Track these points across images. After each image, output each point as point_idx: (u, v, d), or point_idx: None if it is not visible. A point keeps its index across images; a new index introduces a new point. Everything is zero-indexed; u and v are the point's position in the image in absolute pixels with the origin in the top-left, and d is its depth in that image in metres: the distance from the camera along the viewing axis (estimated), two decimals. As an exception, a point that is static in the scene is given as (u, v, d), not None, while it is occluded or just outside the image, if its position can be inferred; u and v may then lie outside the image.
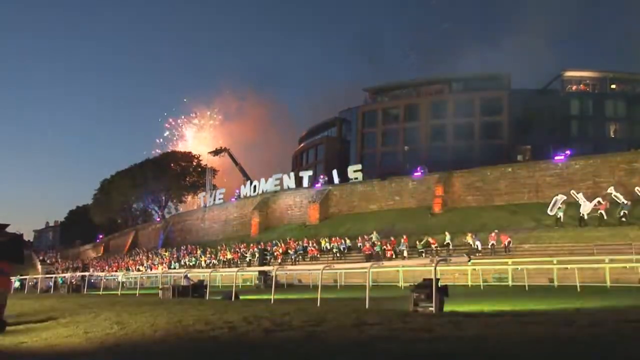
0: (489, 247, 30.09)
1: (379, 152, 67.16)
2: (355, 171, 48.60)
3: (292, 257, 38.95)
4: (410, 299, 10.33)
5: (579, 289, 19.28)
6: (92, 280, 36.12)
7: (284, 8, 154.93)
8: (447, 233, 32.32)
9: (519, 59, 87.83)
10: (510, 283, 24.12)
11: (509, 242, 29.39)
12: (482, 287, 23.26)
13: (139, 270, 49.39)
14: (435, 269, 10.20)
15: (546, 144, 51.71)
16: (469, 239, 31.08)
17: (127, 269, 52.55)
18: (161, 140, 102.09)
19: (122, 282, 33.48)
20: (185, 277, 21.52)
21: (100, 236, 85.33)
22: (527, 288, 21.56)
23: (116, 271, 51.06)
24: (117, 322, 9.99)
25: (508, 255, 28.42)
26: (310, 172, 57.08)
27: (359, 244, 36.70)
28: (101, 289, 27.88)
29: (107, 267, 57.74)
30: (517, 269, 24.95)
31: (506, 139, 59.72)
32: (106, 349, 7.35)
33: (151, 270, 47.52)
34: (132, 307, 13.65)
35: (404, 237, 34.15)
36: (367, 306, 11.14)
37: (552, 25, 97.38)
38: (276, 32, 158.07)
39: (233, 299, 16.41)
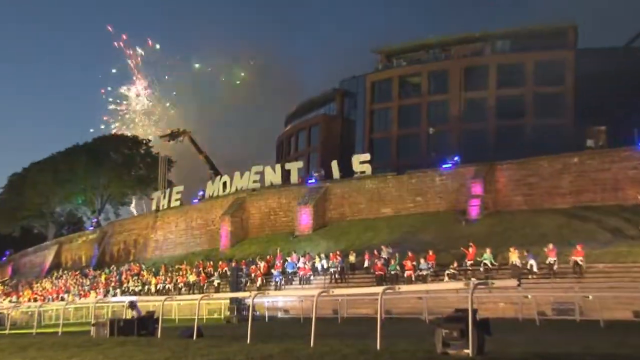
0: (547, 265, 30.09)
1: (394, 136, 67.14)
2: (361, 162, 48.61)
3: (276, 279, 38.92)
4: (437, 336, 10.29)
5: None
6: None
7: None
8: (487, 250, 32.24)
9: (590, 5, 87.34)
10: (577, 317, 24.11)
11: (580, 260, 29.28)
12: (537, 322, 23.28)
13: (62, 299, 49.24)
14: (471, 295, 10.15)
15: (628, 124, 51.58)
16: (514, 255, 31.04)
17: (47, 298, 52.33)
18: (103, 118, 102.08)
19: (40, 316, 33.34)
20: (133, 306, 21.35)
21: (8, 252, 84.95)
22: (602, 324, 21.60)
23: (30, 301, 50.82)
24: (32, 370, 9.91)
25: (575, 278, 28.41)
26: (301, 164, 56.94)
27: (366, 261, 36.67)
28: (7, 326, 27.73)
29: (16, 296, 57.52)
30: (588, 297, 24.95)
31: (570, 118, 59.72)
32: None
33: (81, 298, 47.34)
34: (53, 350, 13.57)
35: (430, 252, 34.15)
36: (378, 346, 11.10)
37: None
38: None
39: (195, 337, 16.35)
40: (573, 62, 60.65)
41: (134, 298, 27.68)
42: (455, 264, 32.76)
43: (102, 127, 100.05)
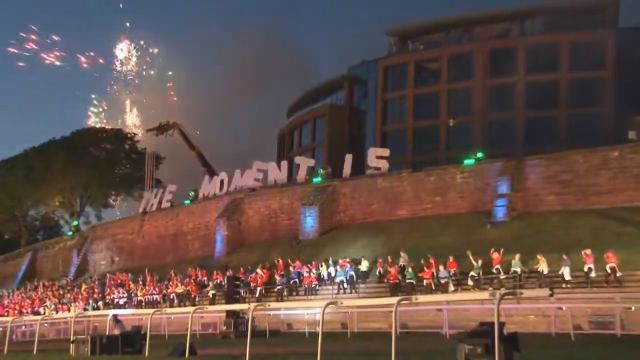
0: (584, 273, 30.05)
1: (409, 128, 67.13)
2: (378, 157, 48.64)
3: (279, 289, 38.99)
4: (460, 353, 10.31)
5: None
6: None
7: None
8: (516, 256, 32.09)
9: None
10: (618, 331, 24.11)
11: (610, 268, 29.26)
12: (572, 337, 23.27)
13: (38, 313, 49.36)
14: (498, 307, 10.17)
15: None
16: (542, 263, 30.93)
17: (20, 312, 52.46)
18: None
19: (12, 333, 33.55)
20: (116, 320, 21.44)
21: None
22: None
23: (2, 315, 50.96)
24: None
25: (615, 287, 28.33)
26: (312, 161, 56.92)
27: (379, 269, 36.70)
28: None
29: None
30: (630, 308, 24.91)
31: (610, 107, 59.58)
32: None
33: (59, 312, 47.46)
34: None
35: (450, 258, 34.14)
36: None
37: None
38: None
39: (187, 354, 16.42)
40: (614, 43, 60.40)
41: (118, 311, 27.77)
42: (480, 262, 32.64)
43: (89, 116, 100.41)
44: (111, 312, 27.15)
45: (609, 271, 29.17)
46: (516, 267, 31.66)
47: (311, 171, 53.12)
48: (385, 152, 50.18)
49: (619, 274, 29.07)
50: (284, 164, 55.24)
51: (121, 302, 47.43)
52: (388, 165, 48.22)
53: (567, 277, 30.21)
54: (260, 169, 54.33)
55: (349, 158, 49.89)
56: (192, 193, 59.71)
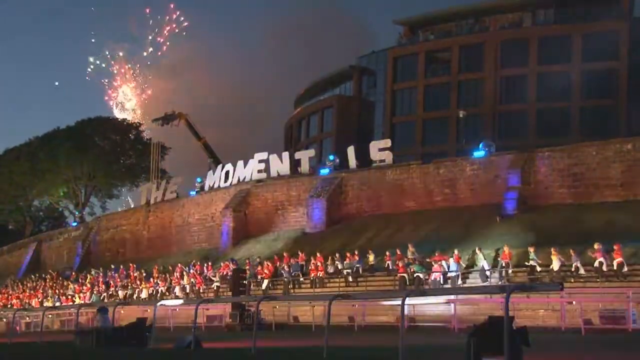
0: (594, 267, 29.99)
1: (419, 120, 67.05)
2: (381, 149, 48.58)
3: (285, 281, 39.07)
4: (468, 347, 10.31)
5: None
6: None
7: None
8: (531, 249, 31.93)
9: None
10: (630, 326, 24.07)
11: (617, 263, 29.16)
12: (583, 332, 23.24)
13: (42, 304, 49.62)
14: (507, 301, 10.17)
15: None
16: (554, 259, 30.89)
17: (24, 303, 52.73)
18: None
19: (15, 324, 33.78)
20: (102, 312, 20.78)
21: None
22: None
23: (6, 306, 51.27)
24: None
25: (627, 282, 28.27)
26: (312, 152, 56.87)
27: (387, 263, 36.76)
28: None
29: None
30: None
31: (623, 98, 59.38)
32: None
33: (63, 304, 47.67)
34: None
35: (455, 252, 34.08)
36: None
37: None
38: None
39: (193, 347, 16.48)
40: (628, 34, 60.15)
41: (101, 303, 27.75)
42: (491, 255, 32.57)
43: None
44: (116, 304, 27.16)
45: (614, 267, 29.06)
46: (533, 260, 31.42)
47: (315, 162, 52.86)
48: (387, 143, 50.03)
49: (624, 269, 29.02)
50: (286, 155, 54.90)
51: (127, 294, 47.52)
52: (392, 155, 48.15)
53: (581, 270, 30.12)
54: (262, 160, 54.04)
55: (351, 150, 49.67)
56: (199, 180, 59.55)
